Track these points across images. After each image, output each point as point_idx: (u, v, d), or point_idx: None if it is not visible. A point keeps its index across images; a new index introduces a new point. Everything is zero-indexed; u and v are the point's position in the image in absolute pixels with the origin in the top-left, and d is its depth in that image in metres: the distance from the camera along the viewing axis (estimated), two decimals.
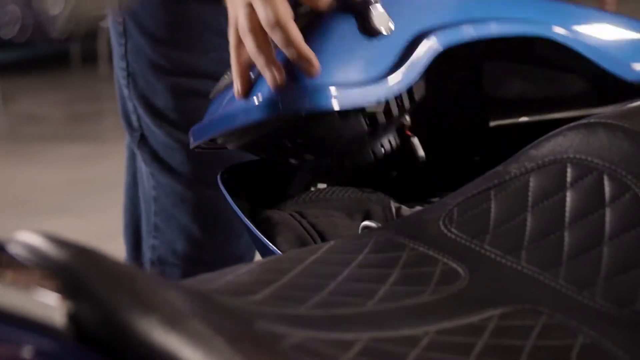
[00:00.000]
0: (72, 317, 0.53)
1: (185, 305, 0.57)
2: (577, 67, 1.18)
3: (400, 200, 1.15)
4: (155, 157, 1.32)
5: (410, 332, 0.70)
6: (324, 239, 1.04)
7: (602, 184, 0.80)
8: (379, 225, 0.96)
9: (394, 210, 1.10)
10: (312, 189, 1.15)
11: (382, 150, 1.07)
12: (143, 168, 1.37)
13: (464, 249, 0.82)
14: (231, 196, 1.05)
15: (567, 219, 0.80)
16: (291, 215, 1.08)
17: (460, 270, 0.79)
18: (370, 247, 0.82)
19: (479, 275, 0.79)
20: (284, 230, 1.05)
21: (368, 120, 1.02)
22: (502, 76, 1.24)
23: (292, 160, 1.08)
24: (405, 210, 1.11)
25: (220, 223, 1.36)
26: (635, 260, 0.76)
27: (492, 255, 0.81)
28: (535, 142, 0.87)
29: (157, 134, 1.30)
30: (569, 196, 0.81)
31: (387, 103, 1.02)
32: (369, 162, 1.07)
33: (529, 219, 0.82)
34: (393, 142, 1.08)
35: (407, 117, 1.10)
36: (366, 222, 0.97)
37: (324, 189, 1.14)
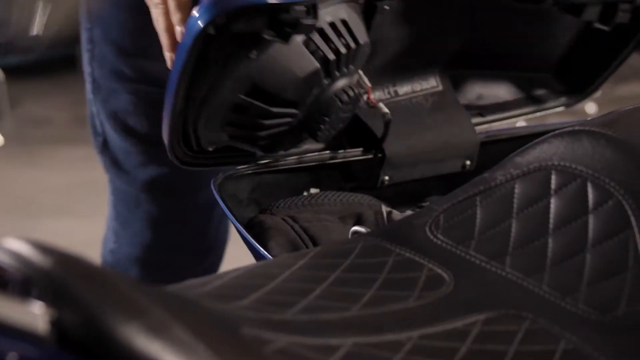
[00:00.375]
0: (55, 324, 0.53)
1: (169, 311, 0.57)
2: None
3: (392, 204, 1.15)
4: (114, 163, 1.33)
5: (394, 337, 0.70)
6: (315, 243, 1.04)
7: (586, 191, 0.80)
8: (369, 230, 0.96)
9: (385, 214, 1.10)
10: (305, 193, 1.14)
11: (345, 96, 1.09)
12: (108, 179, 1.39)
13: (449, 254, 0.81)
14: (224, 201, 1.05)
15: (551, 226, 0.80)
16: (284, 219, 1.07)
17: (445, 275, 0.79)
18: (357, 252, 0.82)
19: (464, 281, 0.79)
20: (276, 235, 1.04)
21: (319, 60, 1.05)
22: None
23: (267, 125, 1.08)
24: (397, 214, 1.11)
25: (174, 228, 1.38)
26: (618, 266, 0.76)
27: (477, 261, 0.80)
28: (521, 149, 0.86)
29: (116, 139, 1.31)
30: (553, 203, 0.81)
31: (333, 43, 1.05)
32: (335, 106, 1.08)
33: (513, 225, 0.82)
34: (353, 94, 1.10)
35: (366, 80, 1.13)
36: (356, 227, 0.97)
37: (317, 193, 1.13)
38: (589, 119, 0.89)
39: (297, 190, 1.14)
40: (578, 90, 1.40)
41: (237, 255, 1.27)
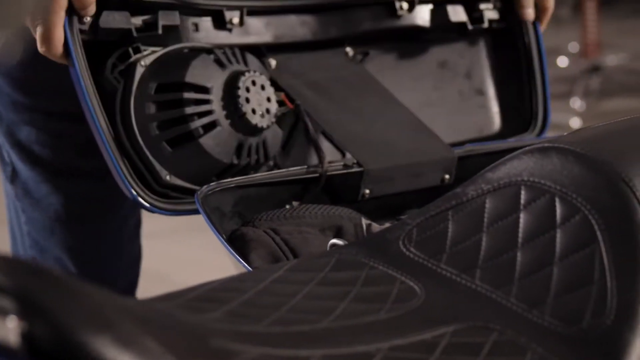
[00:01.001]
0: (26, 337, 0.52)
1: (139, 322, 0.56)
2: None
3: (373, 217, 1.15)
4: (26, 192, 1.32)
5: (364, 348, 0.70)
6: (295, 255, 1.04)
7: (554, 206, 0.80)
8: (346, 242, 0.96)
9: (364, 226, 1.10)
10: (287, 206, 1.14)
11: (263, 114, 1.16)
12: (13, 205, 1.38)
13: (421, 267, 0.81)
14: (207, 214, 1.05)
15: (520, 240, 0.80)
16: (265, 232, 1.07)
17: (416, 288, 0.79)
18: (332, 266, 0.81)
19: (435, 293, 0.79)
20: (257, 247, 1.04)
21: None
22: None
23: None
24: (376, 227, 1.11)
25: (91, 252, 1.38)
26: (583, 279, 0.76)
27: (448, 274, 0.80)
28: (492, 165, 0.86)
29: (23, 168, 1.31)
30: (522, 217, 0.81)
31: None
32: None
33: (484, 239, 0.82)
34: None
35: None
36: (334, 240, 0.97)
37: (298, 206, 1.14)
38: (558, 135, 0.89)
39: (279, 203, 1.14)
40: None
41: (222, 266, 1.27)
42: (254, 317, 0.71)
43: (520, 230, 0.80)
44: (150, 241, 1.64)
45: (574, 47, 5.13)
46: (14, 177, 1.33)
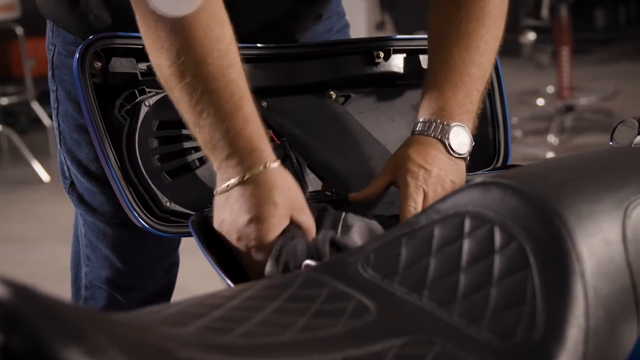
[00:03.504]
0: (4, 348, 0.52)
1: (108, 336, 0.56)
2: None
3: None
4: (81, 200, 1.34)
5: (320, 357, 0.70)
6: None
7: (493, 234, 0.80)
8: (317, 263, 0.95)
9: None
10: None
11: None
12: (75, 211, 1.41)
13: (376, 287, 0.81)
14: (199, 237, 1.05)
15: (463, 264, 0.80)
16: None
17: (370, 305, 0.79)
18: (298, 285, 0.81)
19: (387, 310, 0.78)
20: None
21: None
22: None
23: None
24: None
25: (136, 253, 1.40)
26: (517, 299, 0.75)
27: (399, 293, 0.80)
28: (443, 197, 0.86)
29: (82, 181, 1.33)
30: (465, 244, 0.81)
31: None
32: None
33: (432, 262, 0.81)
34: None
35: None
36: (307, 261, 0.97)
37: None
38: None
39: None
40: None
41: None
42: (223, 330, 0.70)
43: (464, 255, 0.80)
44: None
45: (551, 89, 5.13)
46: (71, 188, 1.36)
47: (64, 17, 1.27)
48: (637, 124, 1.06)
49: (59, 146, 1.35)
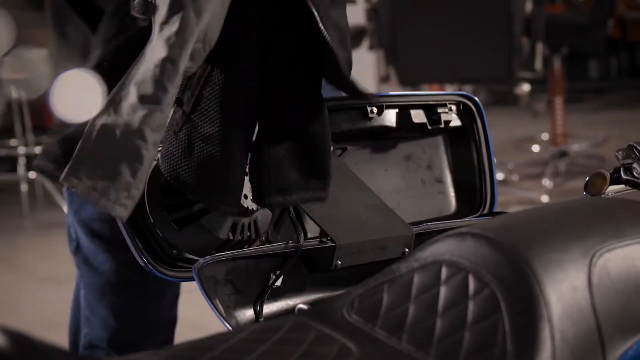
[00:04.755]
0: None
1: None
2: None
3: (345, 284, 1.15)
4: (85, 261, 1.34)
5: None
6: None
7: (467, 282, 0.80)
8: (309, 307, 0.96)
9: None
10: (273, 276, 1.15)
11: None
12: (77, 273, 1.40)
13: (359, 331, 0.81)
14: (202, 283, 1.05)
15: (439, 309, 0.80)
16: None
17: (353, 348, 0.79)
18: (286, 328, 0.81)
19: (368, 353, 0.78)
20: None
21: None
22: None
23: None
24: None
25: (134, 313, 1.39)
26: (488, 343, 0.75)
27: (380, 336, 0.80)
28: (422, 245, 0.87)
29: (86, 241, 1.33)
30: (442, 291, 0.81)
31: None
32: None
33: (411, 307, 0.81)
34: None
35: None
36: (300, 305, 0.97)
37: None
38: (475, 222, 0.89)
39: (264, 272, 1.14)
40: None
41: None
42: None
43: (440, 301, 0.80)
44: (191, 295, 1.65)
45: (545, 136, 5.14)
46: (77, 249, 1.36)
47: None
48: (608, 175, 1.07)
49: (66, 209, 1.35)
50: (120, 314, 1.37)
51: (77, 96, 1.09)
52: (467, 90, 4.51)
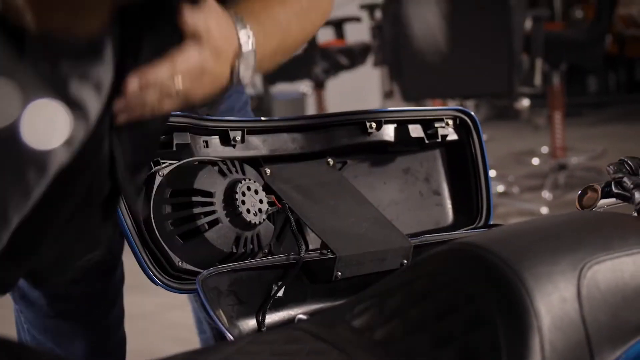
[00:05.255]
0: None
1: None
2: None
3: (345, 295, 1.15)
4: (22, 296, 1.31)
5: None
6: None
7: (460, 293, 0.80)
8: (309, 317, 0.96)
9: None
10: (275, 287, 1.15)
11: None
12: (16, 307, 1.36)
13: (356, 341, 0.81)
14: (205, 295, 1.05)
15: (434, 320, 0.80)
16: None
17: (350, 359, 0.78)
18: (284, 339, 0.81)
19: None
20: None
21: None
22: None
23: None
24: None
25: (78, 342, 1.35)
26: (479, 354, 0.75)
27: (373, 349, 0.80)
28: (419, 257, 0.87)
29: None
30: (437, 302, 0.81)
31: None
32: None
33: (406, 318, 0.81)
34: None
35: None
36: (300, 315, 0.97)
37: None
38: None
39: (266, 284, 1.15)
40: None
41: None
42: None
43: (432, 312, 0.80)
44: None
45: (545, 149, 5.14)
46: None
47: None
48: (599, 189, 1.06)
49: None
50: (67, 343, 1.34)
51: None
52: (468, 105, 4.51)
